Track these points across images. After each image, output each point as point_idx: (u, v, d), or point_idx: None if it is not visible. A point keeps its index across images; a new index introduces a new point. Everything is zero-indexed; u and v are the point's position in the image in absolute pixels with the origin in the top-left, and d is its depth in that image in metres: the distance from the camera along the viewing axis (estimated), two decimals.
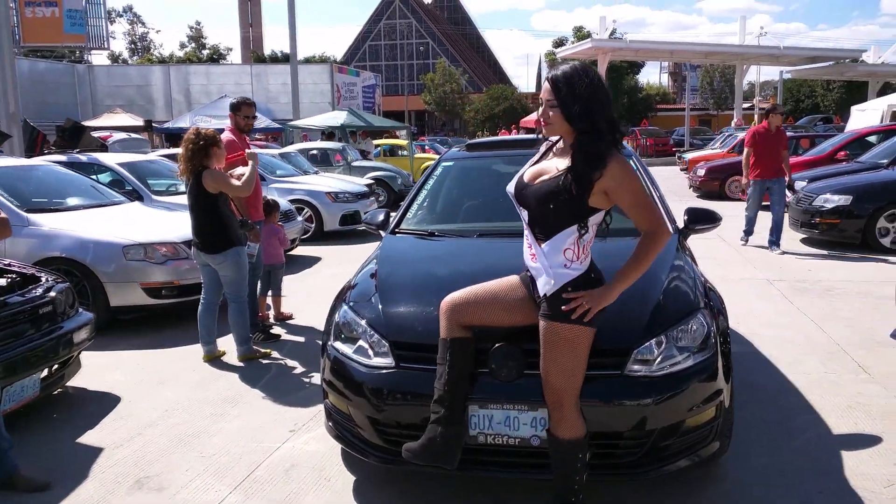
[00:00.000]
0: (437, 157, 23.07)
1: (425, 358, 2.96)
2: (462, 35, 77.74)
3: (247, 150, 5.29)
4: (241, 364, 5.16)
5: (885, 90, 39.31)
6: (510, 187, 2.78)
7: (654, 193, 4.09)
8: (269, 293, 6.27)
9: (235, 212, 5.30)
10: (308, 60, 51.29)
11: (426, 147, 26.12)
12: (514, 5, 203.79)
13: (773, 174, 8.93)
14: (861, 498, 3.11)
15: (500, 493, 3.19)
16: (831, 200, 8.92)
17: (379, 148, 20.98)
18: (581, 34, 51.65)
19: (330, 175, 13.71)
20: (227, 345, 5.35)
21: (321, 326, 6.10)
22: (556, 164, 2.62)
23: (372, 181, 14.60)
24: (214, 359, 5.25)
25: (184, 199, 5.27)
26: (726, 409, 3.04)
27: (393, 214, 4.53)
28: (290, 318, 6.42)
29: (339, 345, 3.26)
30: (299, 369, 5.05)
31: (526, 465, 2.91)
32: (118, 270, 5.89)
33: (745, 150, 9.10)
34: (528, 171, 2.74)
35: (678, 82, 69.24)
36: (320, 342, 5.52)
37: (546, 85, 2.55)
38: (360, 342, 3.17)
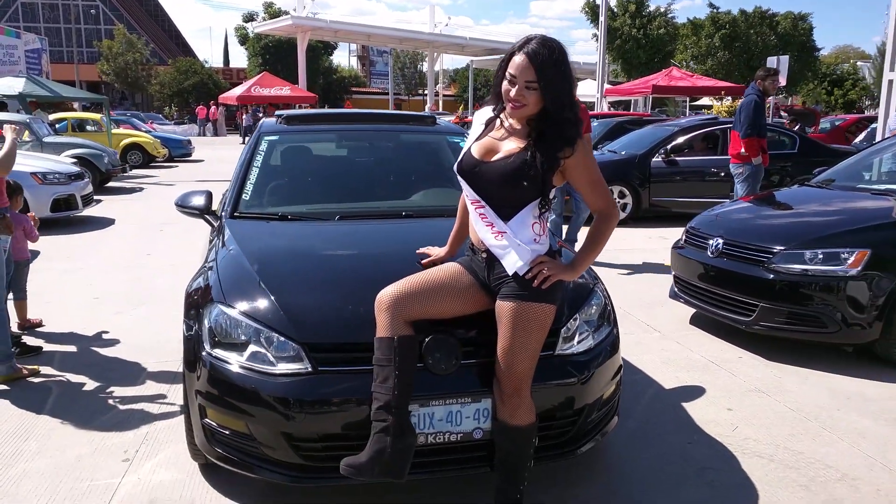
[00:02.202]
0: (136, 132, 21.12)
1: (348, 359, 2.65)
2: (138, 1, 70.57)
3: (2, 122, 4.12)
4: (6, 387, 4.09)
5: None
6: (456, 165, 2.58)
7: None
8: (10, 297, 5.06)
9: None
10: None
11: (120, 122, 23.38)
12: None
13: None
14: (721, 442, 3.52)
15: (425, 492, 2.98)
16: None
17: (65, 122, 18.20)
18: (272, 10, 50.36)
19: (25, 153, 11.49)
20: None
21: (85, 331, 5.19)
22: (510, 141, 2.49)
23: (74, 159, 12.66)
24: None
25: None
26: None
27: (216, 196, 3.93)
28: (40, 325, 5.29)
29: (220, 353, 2.73)
30: (91, 384, 4.16)
31: (464, 460, 2.75)
32: None
33: None
34: (474, 147, 2.56)
35: (367, 66, 71.34)
36: (102, 351, 4.72)
37: (523, 62, 2.31)
38: (252, 346, 2.70)
